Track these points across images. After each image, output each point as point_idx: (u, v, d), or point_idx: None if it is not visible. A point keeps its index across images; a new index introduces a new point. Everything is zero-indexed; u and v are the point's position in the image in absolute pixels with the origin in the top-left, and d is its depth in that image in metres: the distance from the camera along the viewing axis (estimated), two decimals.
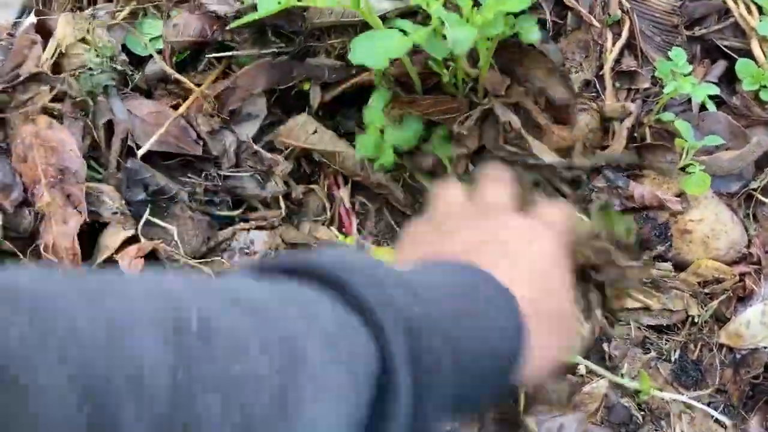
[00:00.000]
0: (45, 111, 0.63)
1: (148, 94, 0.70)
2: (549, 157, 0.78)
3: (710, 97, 0.75)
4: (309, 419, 0.25)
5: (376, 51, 0.52)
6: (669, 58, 0.77)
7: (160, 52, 0.70)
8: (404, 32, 0.55)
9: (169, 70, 0.69)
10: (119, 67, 0.68)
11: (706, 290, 0.77)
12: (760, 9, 0.83)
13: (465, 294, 0.37)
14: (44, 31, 0.68)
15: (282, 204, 0.71)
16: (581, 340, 0.54)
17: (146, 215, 0.59)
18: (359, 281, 0.30)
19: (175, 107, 0.69)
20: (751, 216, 0.81)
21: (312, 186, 0.75)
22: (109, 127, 0.62)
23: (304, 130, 0.70)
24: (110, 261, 0.58)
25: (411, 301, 0.31)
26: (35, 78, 0.63)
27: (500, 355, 0.37)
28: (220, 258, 0.65)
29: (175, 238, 0.60)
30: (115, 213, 0.58)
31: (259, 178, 0.68)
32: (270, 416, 0.24)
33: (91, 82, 0.66)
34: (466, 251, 0.42)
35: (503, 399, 0.54)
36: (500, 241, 0.44)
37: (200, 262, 0.61)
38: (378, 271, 0.32)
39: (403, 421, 0.29)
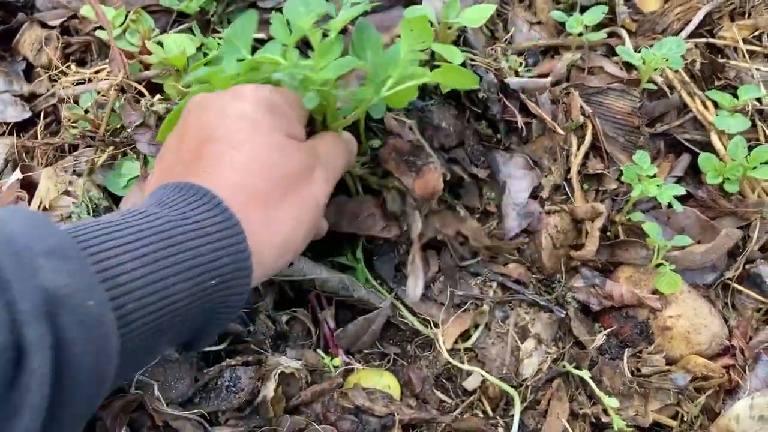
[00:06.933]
0: None
1: None
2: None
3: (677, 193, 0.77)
4: None
5: None
6: (633, 160, 0.80)
7: None
8: None
9: None
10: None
11: (693, 385, 0.77)
12: (715, 104, 0.86)
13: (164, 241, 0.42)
14: (29, 186, 0.71)
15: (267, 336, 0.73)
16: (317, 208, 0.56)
17: None
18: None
19: None
20: (729, 305, 0.82)
21: (296, 310, 0.77)
22: None
23: None
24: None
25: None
26: None
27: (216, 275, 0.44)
28: (205, 402, 0.65)
29: (156, 392, 0.61)
30: None
31: (244, 316, 0.69)
32: None
33: None
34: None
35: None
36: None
37: (194, 412, 0.61)
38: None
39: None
